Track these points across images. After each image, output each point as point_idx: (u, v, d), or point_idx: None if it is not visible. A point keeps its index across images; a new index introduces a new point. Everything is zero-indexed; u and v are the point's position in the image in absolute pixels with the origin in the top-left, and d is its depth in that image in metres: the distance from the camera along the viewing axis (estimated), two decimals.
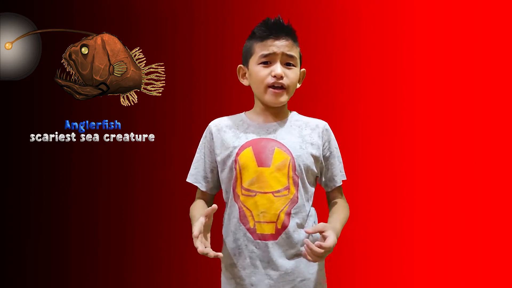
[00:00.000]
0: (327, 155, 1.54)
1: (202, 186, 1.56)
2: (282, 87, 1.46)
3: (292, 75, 1.47)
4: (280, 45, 1.45)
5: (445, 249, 2.20)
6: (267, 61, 1.46)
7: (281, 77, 1.45)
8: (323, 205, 1.62)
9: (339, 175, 1.57)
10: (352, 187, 1.72)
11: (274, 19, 1.48)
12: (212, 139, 1.54)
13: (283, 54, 1.45)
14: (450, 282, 2.18)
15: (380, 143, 2.32)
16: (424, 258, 2.23)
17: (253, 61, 1.49)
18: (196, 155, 1.58)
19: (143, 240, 2.74)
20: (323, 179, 1.56)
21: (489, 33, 2.17)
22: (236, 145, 1.48)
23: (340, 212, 1.52)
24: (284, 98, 1.48)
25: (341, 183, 1.58)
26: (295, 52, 1.48)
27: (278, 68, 1.45)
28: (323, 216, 1.58)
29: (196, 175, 1.56)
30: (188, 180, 1.57)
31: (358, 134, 2.34)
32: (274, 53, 1.45)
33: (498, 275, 2.12)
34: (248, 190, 1.44)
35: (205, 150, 1.55)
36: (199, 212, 1.41)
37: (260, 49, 1.47)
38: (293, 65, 1.48)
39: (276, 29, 1.47)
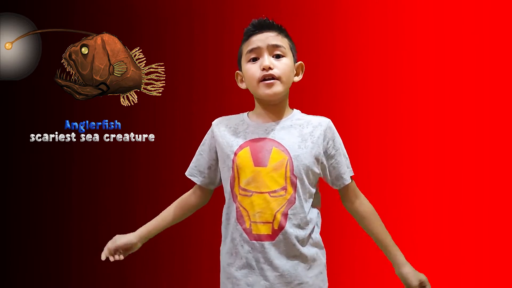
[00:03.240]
0: (332, 153, 1.51)
1: (197, 180, 1.59)
2: (273, 78, 1.46)
3: (281, 66, 1.47)
4: (263, 38, 1.47)
5: (446, 251, 2.20)
6: (255, 57, 1.48)
7: (270, 68, 1.45)
8: (329, 207, 1.61)
9: (347, 172, 1.52)
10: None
11: (258, 19, 1.51)
12: (213, 137, 1.55)
13: (268, 46, 1.47)
14: (451, 284, 2.18)
15: (382, 141, 2.32)
16: (426, 260, 2.22)
17: (244, 61, 1.51)
18: (197, 150, 1.61)
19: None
20: (330, 178, 1.52)
21: (489, 33, 2.16)
22: (234, 145, 1.48)
23: (383, 229, 1.56)
24: (278, 88, 1.46)
25: (351, 180, 1.54)
26: (281, 42, 1.48)
27: (265, 60, 1.46)
28: (329, 218, 1.57)
29: (192, 170, 1.60)
30: (185, 173, 1.62)
31: (361, 131, 2.33)
32: (259, 47, 1.47)
33: (498, 276, 2.12)
34: (245, 190, 1.44)
35: (205, 147, 1.58)
36: (156, 218, 1.65)
37: (246, 47, 1.50)
38: (282, 56, 1.48)
39: (259, 26, 1.49)
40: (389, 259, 1.54)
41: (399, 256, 1.52)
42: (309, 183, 1.46)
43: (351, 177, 1.53)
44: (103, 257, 1.58)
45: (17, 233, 2.96)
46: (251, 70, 1.48)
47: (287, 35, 1.52)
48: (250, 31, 1.50)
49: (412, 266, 1.51)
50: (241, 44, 1.53)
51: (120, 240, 1.60)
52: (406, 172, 2.28)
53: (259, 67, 1.46)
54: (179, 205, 1.64)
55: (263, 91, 1.46)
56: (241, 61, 1.53)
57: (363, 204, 1.56)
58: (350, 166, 1.54)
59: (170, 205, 1.65)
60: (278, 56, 1.47)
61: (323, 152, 1.49)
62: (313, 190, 1.49)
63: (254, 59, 1.48)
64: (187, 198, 1.64)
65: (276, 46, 1.47)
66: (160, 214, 1.65)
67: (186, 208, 1.64)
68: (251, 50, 1.48)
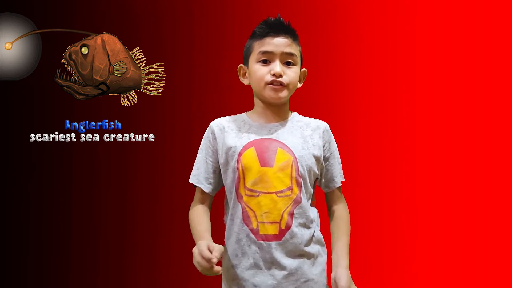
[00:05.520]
0: (327, 156, 1.54)
1: (205, 187, 1.53)
2: (281, 85, 1.46)
3: (291, 74, 1.47)
4: (278, 44, 1.46)
5: (446, 251, 2.20)
6: (266, 60, 1.47)
7: (280, 76, 1.45)
8: (323, 206, 1.62)
9: (338, 176, 1.56)
10: (352, 188, 1.71)
11: (274, 18, 1.49)
12: (215, 139, 1.52)
13: (282, 53, 1.46)
14: (451, 284, 2.18)
15: (380, 144, 2.32)
16: (425, 260, 2.22)
17: (252, 59, 1.49)
18: (198, 155, 1.55)
19: (143, 240, 2.74)
20: (323, 180, 1.55)
21: (489, 33, 2.16)
22: (238, 146, 1.47)
23: (343, 233, 1.52)
24: (284, 93, 1.47)
25: (340, 184, 1.57)
26: (294, 50, 1.48)
27: (277, 67, 1.45)
28: (324, 218, 1.58)
29: (198, 176, 1.53)
30: (190, 181, 1.55)
31: (359, 134, 2.34)
32: (273, 52, 1.46)
33: (498, 276, 2.12)
34: (251, 190, 1.44)
35: (208, 151, 1.53)
36: (202, 224, 1.47)
37: (259, 46, 1.47)
38: (293, 64, 1.48)
39: (275, 27, 1.47)
40: (333, 262, 1.48)
41: (344, 260, 1.47)
42: (310, 183, 1.48)
43: (341, 182, 1.56)
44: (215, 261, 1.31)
45: (17, 233, 2.96)
46: (260, 71, 1.47)
47: (298, 42, 1.51)
48: (265, 31, 1.47)
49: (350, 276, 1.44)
50: (252, 39, 1.50)
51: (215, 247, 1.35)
52: (404, 176, 2.28)
53: (269, 71, 1.45)
54: (207, 214, 1.52)
55: (269, 93, 1.47)
56: (248, 57, 1.51)
57: (340, 210, 1.56)
58: (342, 172, 1.57)
59: (195, 214, 1.51)
60: (288, 63, 1.47)
61: (322, 154, 1.51)
62: (312, 190, 1.51)
63: (265, 61, 1.47)
64: (205, 209, 1.53)
65: (290, 55, 1.47)
66: (200, 221, 1.49)
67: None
68: (264, 53, 1.46)
